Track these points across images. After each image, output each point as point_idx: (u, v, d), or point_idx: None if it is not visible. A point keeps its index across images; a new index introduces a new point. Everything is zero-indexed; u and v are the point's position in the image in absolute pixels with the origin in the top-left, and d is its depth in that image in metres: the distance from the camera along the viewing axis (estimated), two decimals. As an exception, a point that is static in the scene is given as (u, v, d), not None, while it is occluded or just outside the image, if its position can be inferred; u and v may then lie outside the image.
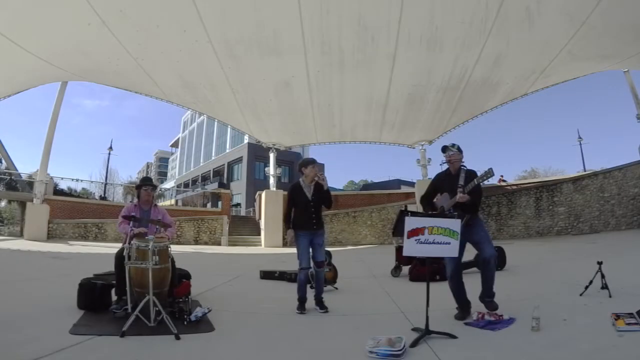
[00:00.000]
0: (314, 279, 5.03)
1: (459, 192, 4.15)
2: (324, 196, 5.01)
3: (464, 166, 4.43)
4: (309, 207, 4.94)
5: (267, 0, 10.91)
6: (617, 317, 3.58)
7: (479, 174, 4.18)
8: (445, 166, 4.60)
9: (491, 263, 4.20)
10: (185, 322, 3.98)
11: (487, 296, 4.25)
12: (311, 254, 4.93)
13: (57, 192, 24.85)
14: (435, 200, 4.59)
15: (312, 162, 5.07)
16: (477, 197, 4.27)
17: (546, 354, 3.09)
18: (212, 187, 47.76)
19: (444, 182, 4.53)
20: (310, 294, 5.00)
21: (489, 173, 4.00)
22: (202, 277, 6.78)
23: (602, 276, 4.85)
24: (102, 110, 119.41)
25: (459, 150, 4.45)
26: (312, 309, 4.88)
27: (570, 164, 61.77)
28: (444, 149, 4.50)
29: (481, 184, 4.17)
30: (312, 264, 4.95)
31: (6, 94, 15.67)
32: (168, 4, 10.93)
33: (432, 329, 3.55)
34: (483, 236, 4.28)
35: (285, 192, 7.10)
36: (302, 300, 4.88)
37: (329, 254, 6.75)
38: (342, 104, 16.76)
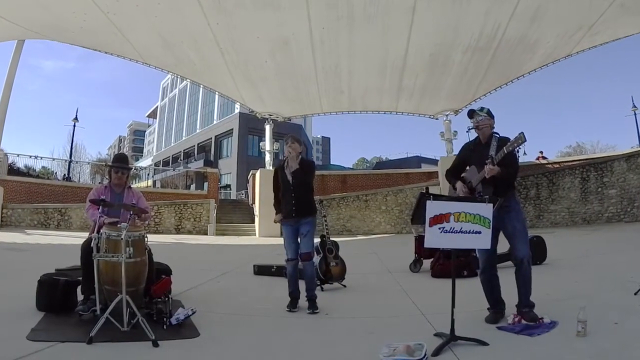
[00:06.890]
0: (303, 275, 5.16)
1: (488, 164, 4.06)
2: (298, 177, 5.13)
3: (497, 133, 4.35)
4: (289, 191, 5.15)
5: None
6: (680, 320, 3.54)
7: None
8: (474, 134, 4.52)
9: (524, 265, 4.11)
10: (165, 326, 3.99)
11: (525, 306, 4.10)
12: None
13: (13, 171, 24.81)
14: (463, 175, 4.50)
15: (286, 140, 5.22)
16: (512, 169, 4.18)
17: (594, 364, 3.06)
18: (196, 165, 47.95)
19: (472, 153, 4.46)
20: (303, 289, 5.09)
21: (520, 138, 3.91)
22: (185, 273, 6.80)
23: (662, 272, 4.82)
24: (66, 73, 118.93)
25: (489, 114, 4.37)
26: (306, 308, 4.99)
27: (623, 138, 61.54)
28: (471, 114, 4.43)
29: (516, 154, 4.09)
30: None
31: (-49, 55, 15.63)
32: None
33: (459, 334, 3.52)
34: (518, 229, 4.17)
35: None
36: (291, 296, 5.09)
37: (335, 245, 6.76)
38: (351, 67, 16.56)
